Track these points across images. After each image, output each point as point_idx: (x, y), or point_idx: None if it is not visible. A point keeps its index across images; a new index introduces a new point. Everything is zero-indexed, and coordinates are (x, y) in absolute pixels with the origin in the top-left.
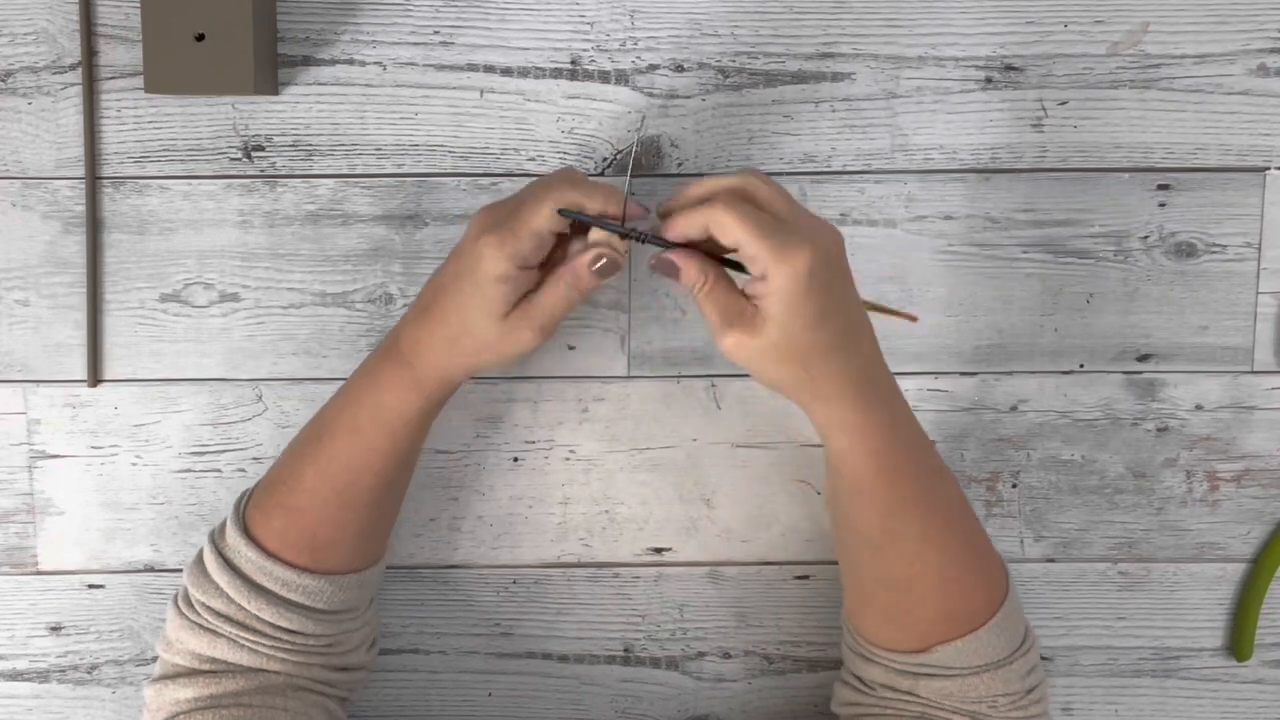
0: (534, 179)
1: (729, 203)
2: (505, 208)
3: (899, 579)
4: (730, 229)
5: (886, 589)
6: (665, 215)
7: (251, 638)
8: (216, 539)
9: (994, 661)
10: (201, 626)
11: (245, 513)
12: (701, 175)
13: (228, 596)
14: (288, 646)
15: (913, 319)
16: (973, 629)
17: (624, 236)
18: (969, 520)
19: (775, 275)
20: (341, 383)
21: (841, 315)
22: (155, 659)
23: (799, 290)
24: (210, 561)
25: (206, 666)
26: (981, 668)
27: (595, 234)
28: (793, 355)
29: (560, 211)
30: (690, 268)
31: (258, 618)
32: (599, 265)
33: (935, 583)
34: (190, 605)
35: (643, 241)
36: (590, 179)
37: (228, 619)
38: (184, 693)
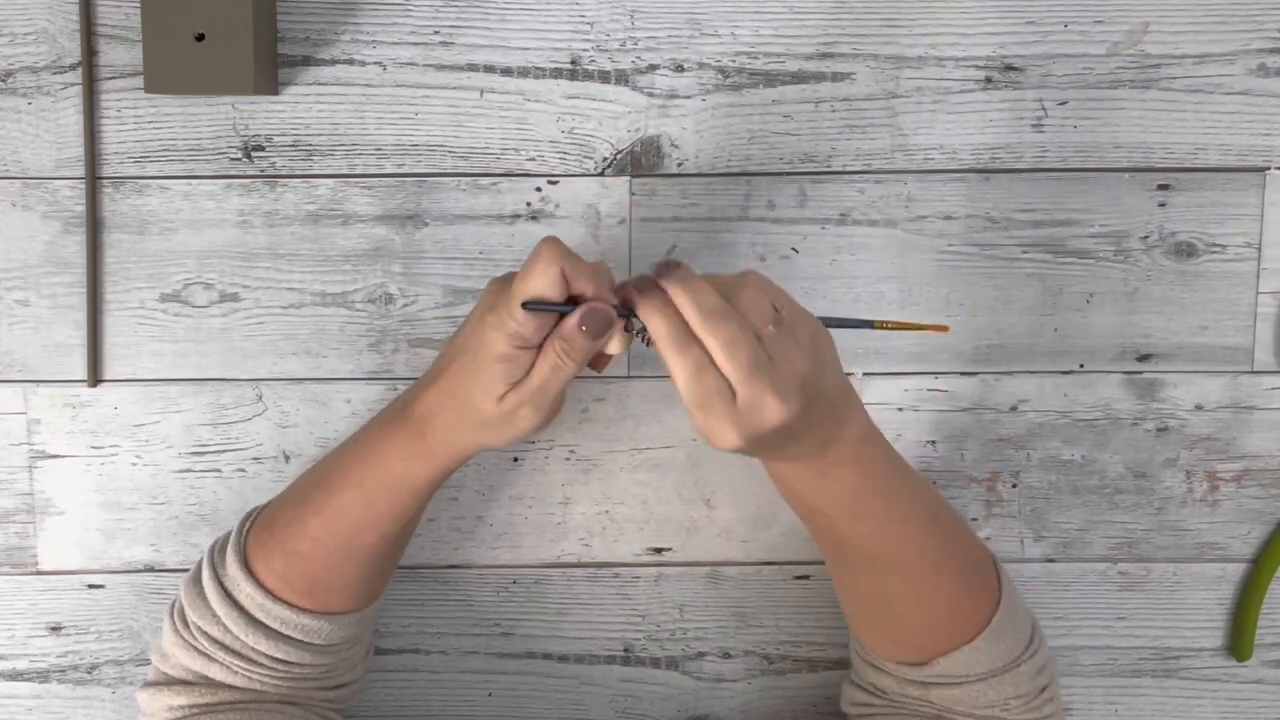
0: (544, 239)
1: (691, 369)
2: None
3: (875, 597)
4: (681, 389)
5: (867, 606)
6: (658, 276)
7: (247, 666)
8: (217, 564)
9: (1001, 667)
10: (196, 649)
11: (246, 546)
12: (702, 174)
13: (225, 626)
14: (283, 675)
15: (943, 329)
16: (967, 640)
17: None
18: (948, 544)
19: (747, 416)
20: (343, 383)
21: (802, 432)
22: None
23: (766, 433)
24: (210, 589)
25: (200, 682)
26: (988, 674)
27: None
28: (759, 453)
29: (525, 305)
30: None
31: (255, 649)
32: (586, 325)
33: (911, 604)
34: (186, 624)
35: (628, 318)
36: (576, 256)
37: (223, 646)
38: (179, 699)
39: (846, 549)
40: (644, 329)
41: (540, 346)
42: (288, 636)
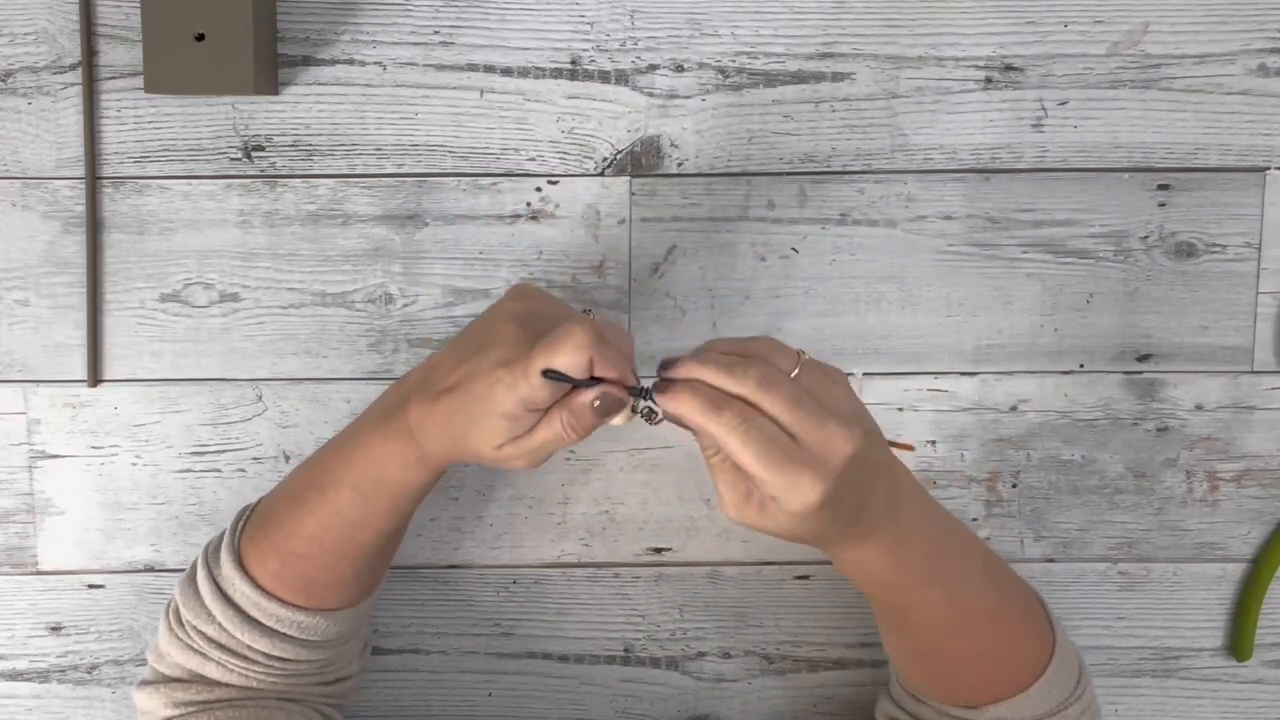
0: (579, 320)
1: (734, 424)
2: (537, 321)
3: (935, 657)
4: (737, 455)
5: (922, 660)
6: (665, 371)
7: (242, 665)
8: (211, 563)
9: (1048, 710)
10: (191, 648)
11: (241, 545)
12: (702, 174)
13: (220, 625)
14: (279, 672)
15: (909, 448)
16: (1020, 690)
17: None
18: (1002, 600)
19: (787, 503)
20: (343, 383)
21: (850, 507)
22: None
23: (811, 514)
24: (204, 588)
25: (196, 679)
26: (1036, 718)
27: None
28: (804, 539)
29: (545, 374)
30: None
31: (250, 648)
32: (599, 404)
33: (969, 660)
34: (181, 625)
35: (644, 399)
36: (608, 339)
37: (219, 645)
38: (175, 696)
39: (914, 616)
40: (650, 409)
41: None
42: (284, 634)
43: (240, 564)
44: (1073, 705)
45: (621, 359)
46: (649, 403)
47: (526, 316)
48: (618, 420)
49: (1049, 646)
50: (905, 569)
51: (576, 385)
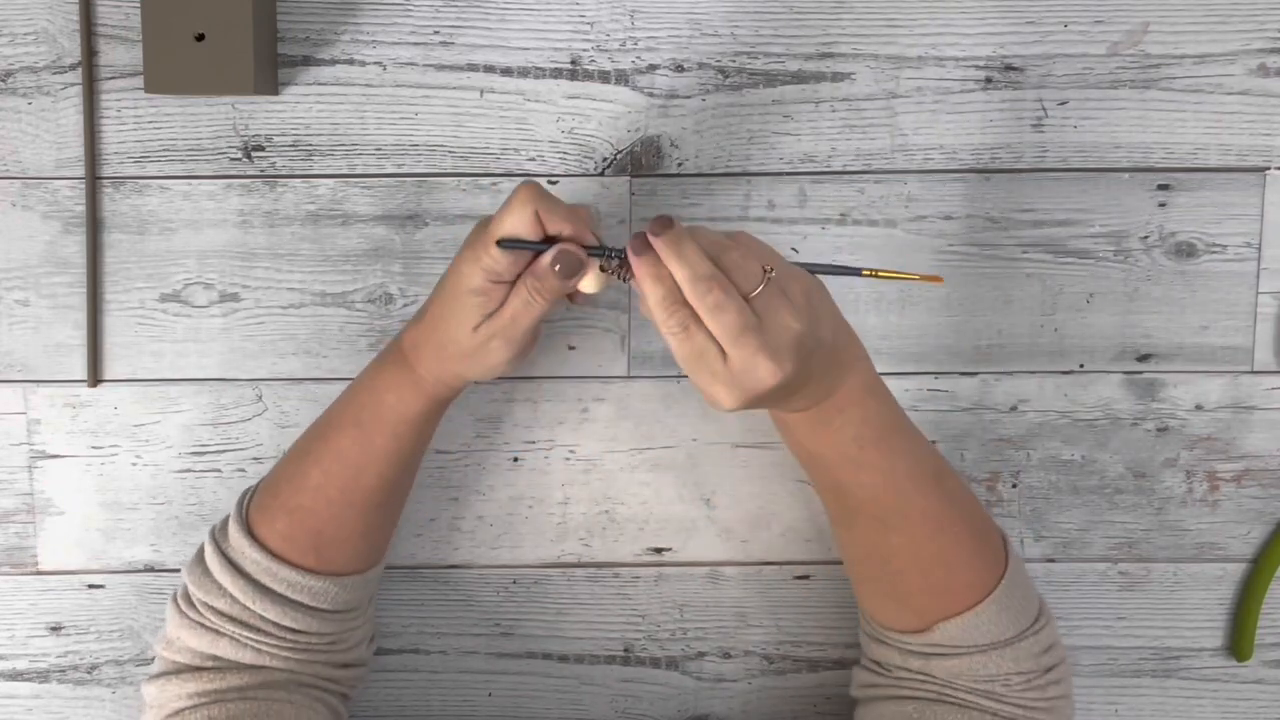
0: (522, 181)
1: (676, 330)
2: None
3: (876, 554)
4: (672, 350)
5: (868, 565)
6: (651, 233)
7: (255, 637)
8: (219, 538)
9: (1002, 640)
10: (203, 626)
11: (248, 513)
12: (702, 174)
13: (231, 597)
14: (291, 645)
15: (937, 280)
16: (969, 606)
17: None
18: (952, 505)
19: (704, 398)
20: (343, 383)
21: (802, 386)
22: (155, 658)
23: (722, 413)
24: (213, 561)
25: (208, 664)
26: (989, 646)
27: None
28: (760, 408)
29: (500, 243)
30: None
31: (262, 617)
32: (559, 265)
33: (911, 562)
34: (191, 604)
35: (611, 259)
36: (552, 198)
37: (231, 618)
38: (187, 687)
39: (849, 501)
40: (619, 267)
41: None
42: (294, 601)
43: (249, 532)
44: (1028, 638)
45: (572, 215)
46: (618, 258)
47: (484, 226)
48: (588, 286)
49: (999, 570)
50: (830, 445)
51: (537, 251)
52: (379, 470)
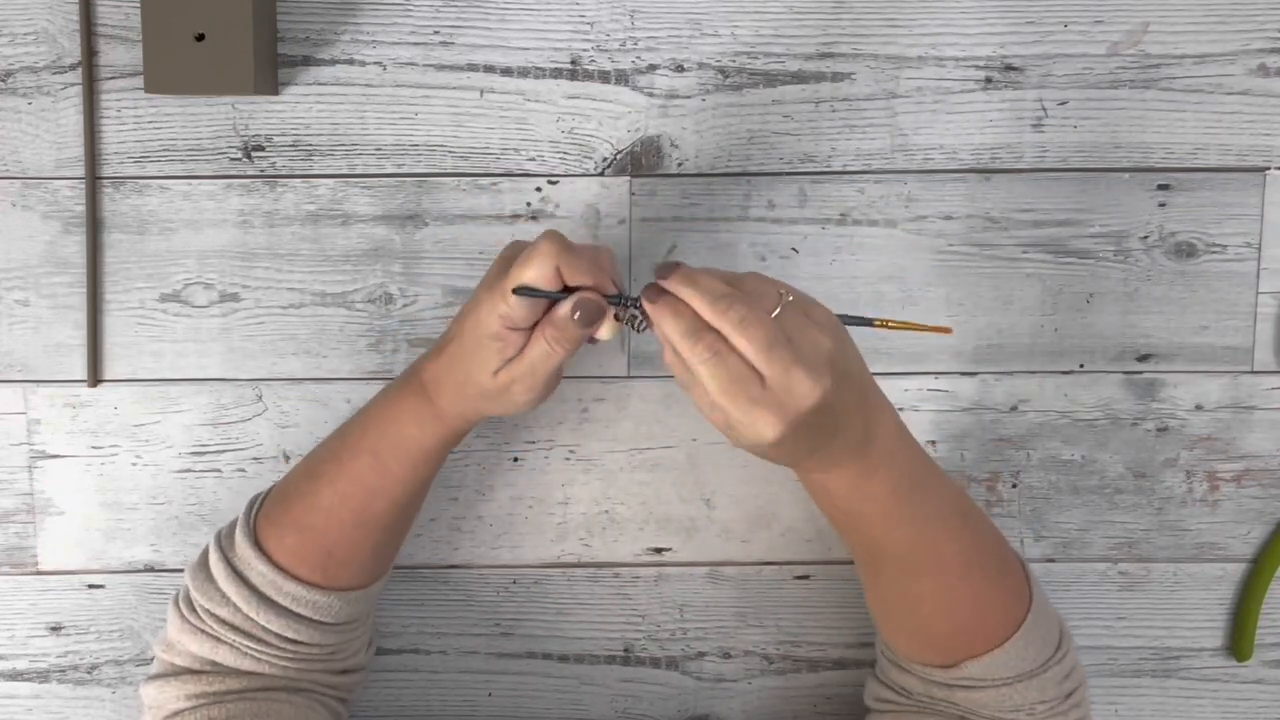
0: (546, 231)
1: (706, 356)
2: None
3: (906, 600)
4: (705, 384)
5: (896, 609)
6: (660, 278)
7: (256, 646)
8: (225, 547)
9: (1026, 672)
10: (204, 632)
11: (256, 524)
12: (702, 174)
13: (235, 606)
14: (291, 655)
15: (946, 331)
16: (997, 644)
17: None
18: (978, 549)
19: (744, 436)
20: (343, 383)
21: (806, 445)
22: (153, 659)
23: (765, 450)
24: (218, 570)
25: (208, 669)
26: (1014, 678)
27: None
28: (786, 459)
29: (516, 291)
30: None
31: (265, 628)
32: (578, 314)
33: (941, 608)
34: (193, 609)
35: (628, 308)
36: (573, 251)
37: (233, 627)
38: (186, 688)
39: (883, 553)
40: (635, 316)
41: (535, 327)
42: (298, 614)
43: (257, 543)
44: (1052, 668)
45: (594, 267)
46: (634, 310)
47: (513, 255)
48: (604, 333)
49: (1025, 605)
50: (869, 501)
51: (553, 299)
52: (393, 496)
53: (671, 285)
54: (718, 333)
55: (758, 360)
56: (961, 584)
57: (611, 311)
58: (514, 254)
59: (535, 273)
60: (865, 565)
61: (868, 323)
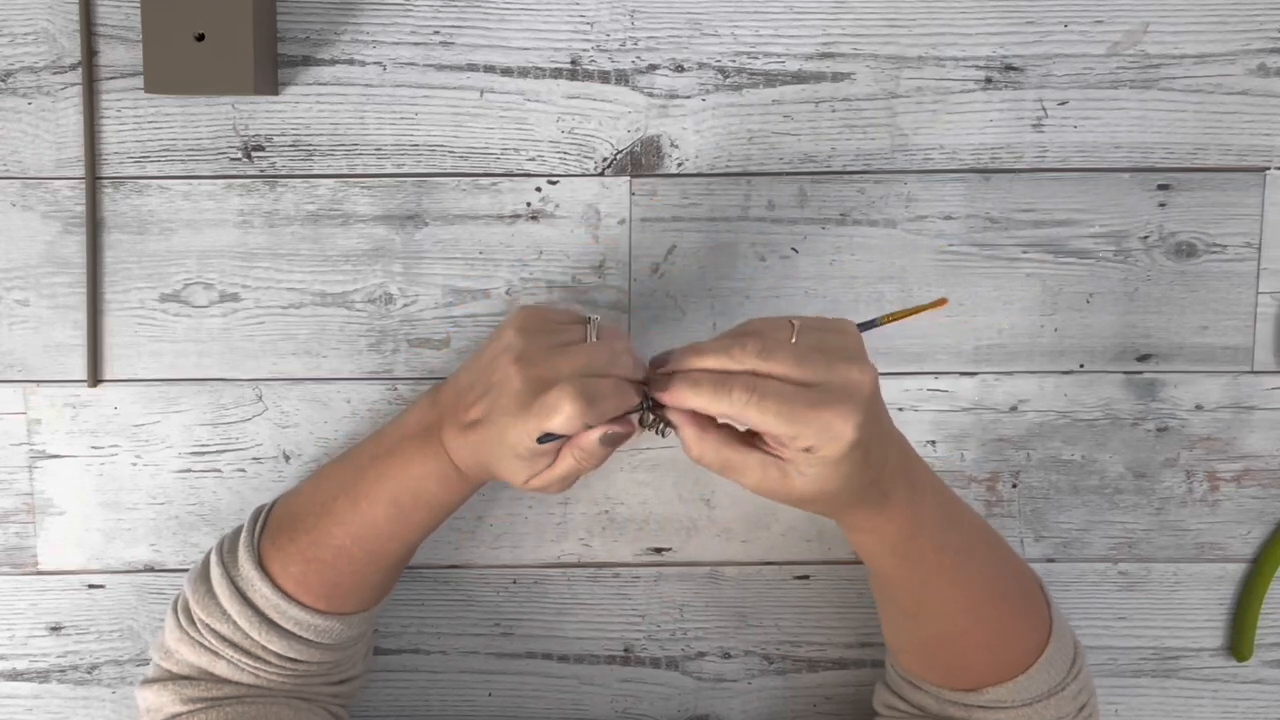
0: (565, 385)
1: (746, 397)
2: (539, 356)
3: (939, 638)
4: (758, 423)
5: (927, 646)
6: (659, 368)
7: (254, 664)
8: (228, 563)
9: (1046, 691)
10: (203, 646)
11: (261, 547)
12: (702, 174)
13: (236, 625)
14: (290, 672)
15: (942, 303)
16: (1021, 671)
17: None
18: (1005, 576)
19: (823, 448)
20: (343, 383)
21: (876, 455)
22: (150, 663)
23: (848, 455)
24: (220, 587)
25: (205, 678)
26: (1035, 699)
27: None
28: (820, 503)
29: (540, 440)
30: (704, 442)
31: (265, 648)
32: (605, 442)
33: (974, 641)
34: (192, 621)
35: (650, 412)
36: (597, 396)
37: (232, 644)
38: (183, 692)
39: (924, 594)
40: (656, 421)
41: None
42: (300, 636)
43: (261, 566)
44: (1069, 686)
45: (617, 398)
46: (658, 418)
47: (526, 354)
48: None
49: (1047, 626)
50: (918, 537)
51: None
52: (408, 540)
53: (675, 365)
54: (748, 373)
55: (797, 374)
56: (992, 614)
57: (638, 426)
58: (523, 346)
59: (561, 428)
60: (901, 610)
61: (873, 324)
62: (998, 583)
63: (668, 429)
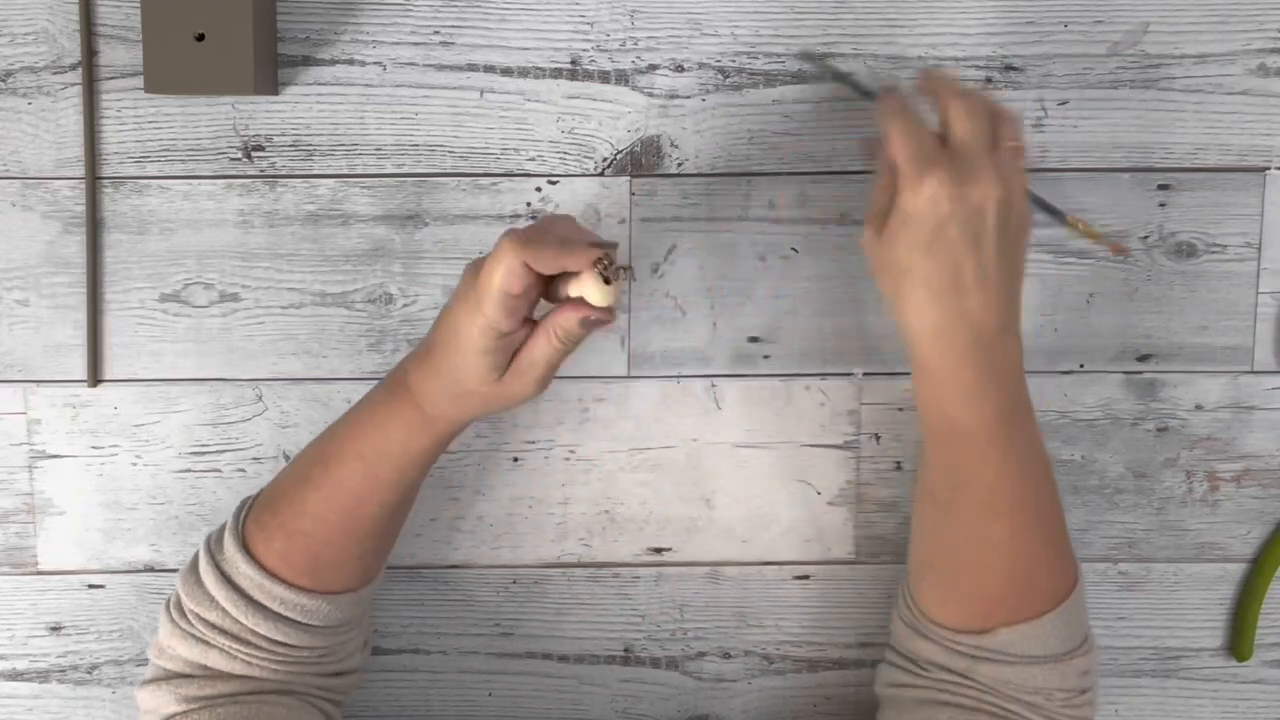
0: (504, 233)
1: (895, 115)
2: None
3: (973, 539)
4: (889, 139)
5: (953, 555)
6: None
7: (245, 650)
8: (214, 550)
9: (1054, 654)
10: (194, 636)
11: (245, 528)
12: (702, 174)
13: (224, 610)
14: (281, 658)
15: (1124, 250)
16: (1038, 614)
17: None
18: (1052, 505)
19: (907, 201)
20: (343, 383)
21: (949, 263)
22: (148, 664)
23: (924, 220)
24: (207, 574)
25: (199, 673)
26: (1041, 658)
27: (584, 278)
28: (889, 273)
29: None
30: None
31: (253, 631)
32: (585, 321)
33: (1004, 555)
34: (183, 614)
35: (605, 267)
36: (535, 243)
37: (222, 631)
38: (179, 692)
39: (969, 482)
40: (620, 268)
41: (524, 319)
42: (286, 617)
43: (244, 547)
44: (1077, 659)
45: (565, 252)
46: (621, 266)
47: (476, 269)
48: (597, 298)
49: (1072, 577)
50: (980, 416)
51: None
52: (381, 500)
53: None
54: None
55: (960, 132)
56: (1030, 533)
57: (599, 274)
58: (474, 272)
59: (504, 273)
60: (940, 497)
61: (1060, 219)
62: (1043, 500)
63: (629, 276)
